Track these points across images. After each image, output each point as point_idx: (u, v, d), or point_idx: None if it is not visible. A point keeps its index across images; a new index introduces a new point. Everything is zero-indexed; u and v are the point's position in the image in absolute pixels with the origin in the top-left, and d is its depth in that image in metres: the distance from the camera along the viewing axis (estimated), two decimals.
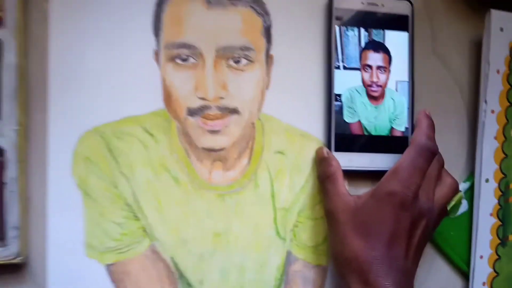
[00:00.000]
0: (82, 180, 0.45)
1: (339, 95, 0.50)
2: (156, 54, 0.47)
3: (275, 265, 0.48)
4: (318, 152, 0.49)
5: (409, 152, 0.45)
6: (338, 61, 0.50)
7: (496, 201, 0.52)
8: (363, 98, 0.50)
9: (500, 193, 0.52)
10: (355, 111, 0.50)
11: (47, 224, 0.44)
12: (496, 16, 0.52)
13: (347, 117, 0.50)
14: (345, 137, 0.50)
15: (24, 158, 0.44)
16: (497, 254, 0.52)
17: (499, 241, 0.52)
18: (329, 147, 0.49)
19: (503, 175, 0.52)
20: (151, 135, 0.47)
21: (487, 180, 0.52)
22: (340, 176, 0.47)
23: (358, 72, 0.50)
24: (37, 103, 0.45)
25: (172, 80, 0.47)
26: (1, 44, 0.43)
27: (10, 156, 0.43)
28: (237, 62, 0.48)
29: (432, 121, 0.48)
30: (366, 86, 0.50)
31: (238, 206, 0.48)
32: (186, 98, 0.47)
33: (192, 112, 0.47)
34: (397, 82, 0.51)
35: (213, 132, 0.47)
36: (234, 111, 0.48)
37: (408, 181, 0.43)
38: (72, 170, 0.45)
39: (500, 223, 0.52)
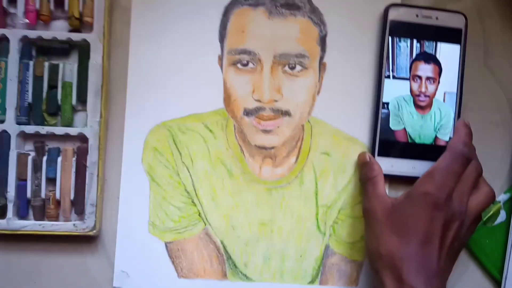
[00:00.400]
0: (150, 167, 0.52)
1: (387, 103, 0.52)
2: (220, 59, 0.53)
3: (313, 256, 0.53)
4: (361, 157, 0.52)
5: (445, 156, 0.47)
6: (388, 71, 0.53)
7: None
8: (410, 107, 0.53)
9: None
10: (401, 119, 0.53)
11: (119, 204, 0.52)
12: None
13: (393, 125, 0.52)
14: (389, 143, 0.52)
15: (103, 146, 0.51)
16: None
17: None
18: (372, 151, 0.53)
19: None
20: (211, 131, 0.52)
21: None
22: (381, 180, 0.50)
23: (407, 81, 0.53)
24: (117, 99, 0.52)
25: (232, 82, 0.52)
26: (90, 46, 0.50)
27: (92, 144, 0.50)
28: (292, 68, 0.52)
29: (470, 130, 0.49)
30: (414, 95, 0.53)
31: (283, 200, 0.53)
32: (243, 100, 0.52)
33: (248, 112, 0.52)
34: (445, 93, 0.53)
35: (266, 131, 0.52)
36: (286, 113, 0.52)
37: (442, 183, 0.46)
38: (142, 158, 0.52)
39: None
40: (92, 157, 0.50)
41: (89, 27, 0.50)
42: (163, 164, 0.52)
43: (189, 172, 0.52)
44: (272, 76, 0.52)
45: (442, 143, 0.53)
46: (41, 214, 0.50)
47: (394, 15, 0.53)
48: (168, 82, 0.52)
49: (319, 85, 0.53)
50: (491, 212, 0.54)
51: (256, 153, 0.53)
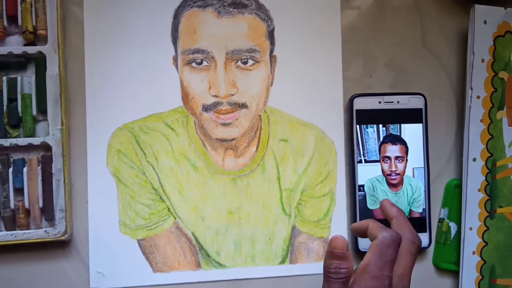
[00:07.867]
0: (116, 169, 0.53)
1: (362, 185, 0.56)
2: (175, 60, 0.55)
3: (281, 237, 0.55)
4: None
5: (375, 246, 0.44)
6: (359, 156, 0.56)
7: (483, 178, 0.57)
8: (384, 186, 0.56)
9: (487, 170, 0.58)
10: (377, 198, 0.56)
11: (88, 207, 0.53)
12: (480, 11, 0.57)
13: (370, 204, 0.56)
14: None
15: (67, 152, 0.52)
16: (486, 226, 0.57)
17: (487, 214, 0.57)
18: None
19: (489, 154, 0.58)
20: (172, 129, 0.54)
21: (474, 159, 0.57)
22: None
23: (378, 163, 0.56)
24: (77, 106, 0.53)
25: (188, 81, 0.54)
26: (46, 58, 0.51)
27: (56, 151, 0.51)
28: (244, 63, 0.55)
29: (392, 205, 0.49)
30: (386, 175, 0.56)
31: (248, 188, 0.55)
32: (201, 96, 0.54)
33: (206, 108, 0.54)
34: (414, 169, 0.57)
35: (225, 124, 0.55)
36: (243, 105, 0.55)
37: (381, 276, 0.43)
38: (107, 161, 0.53)
39: (487, 197, 0.57)
40: (57, 164, 0.51)
41: (44, 39, 0.52)
42: (128, 165, 0.53)
43: (154, 170, 0.54)
44: (226, 71, 0.54)
45: (416, 215, 0.57)
46: (12, 224, 0.51)
47: (359, 105, 0.56)
48: (126, 85, 0.54)
49: (272, 76, 0.56)
50: (444, 230, 0.58)
51: (218, 146, 0.55)
